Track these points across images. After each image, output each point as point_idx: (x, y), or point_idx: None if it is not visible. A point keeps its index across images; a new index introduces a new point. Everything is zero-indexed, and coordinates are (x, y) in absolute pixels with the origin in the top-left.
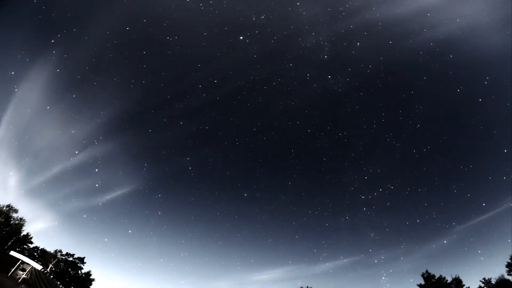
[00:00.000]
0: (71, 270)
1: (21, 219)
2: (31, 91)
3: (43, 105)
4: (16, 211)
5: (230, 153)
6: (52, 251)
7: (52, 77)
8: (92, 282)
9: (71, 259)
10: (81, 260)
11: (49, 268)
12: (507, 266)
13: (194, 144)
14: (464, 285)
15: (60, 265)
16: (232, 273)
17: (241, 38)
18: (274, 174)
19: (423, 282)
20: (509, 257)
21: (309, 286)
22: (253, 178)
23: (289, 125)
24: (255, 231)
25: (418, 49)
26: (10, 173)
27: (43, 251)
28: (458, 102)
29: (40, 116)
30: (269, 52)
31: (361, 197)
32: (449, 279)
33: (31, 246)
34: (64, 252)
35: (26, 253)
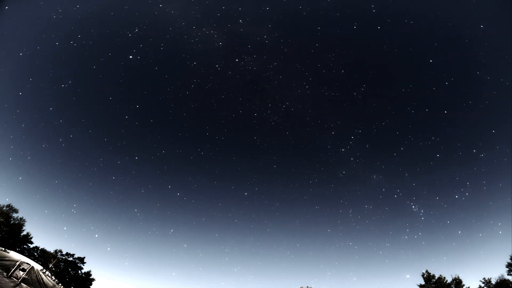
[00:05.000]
0: (71, 270)
1: (21, 219)
2: None
3: None
4: (16, 211)
5: (205, 165)
6: (52, 251)
7: None
8: (92, 282)
9: (71, 259)
10: (81, 260)
11: (49, 268)
12: (507, 266)
13: (164, 169)
14: (464, 285)
15: (60, 265)
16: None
17: (131, 57)
18: (255, 167)
19: (423, 282)
20: (509, 257)
21: (309, 286)
22: (243, 181)
23: (234, 117)
24: (279, 228)
25: (297, 4)
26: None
27: (43, 251)
28: (364, 40)
29: None
30: (165, 59)
31: (342, 150)
32: (449, 279)
33: (31, 246)
34: (64, 252)
35: (26, 253)
